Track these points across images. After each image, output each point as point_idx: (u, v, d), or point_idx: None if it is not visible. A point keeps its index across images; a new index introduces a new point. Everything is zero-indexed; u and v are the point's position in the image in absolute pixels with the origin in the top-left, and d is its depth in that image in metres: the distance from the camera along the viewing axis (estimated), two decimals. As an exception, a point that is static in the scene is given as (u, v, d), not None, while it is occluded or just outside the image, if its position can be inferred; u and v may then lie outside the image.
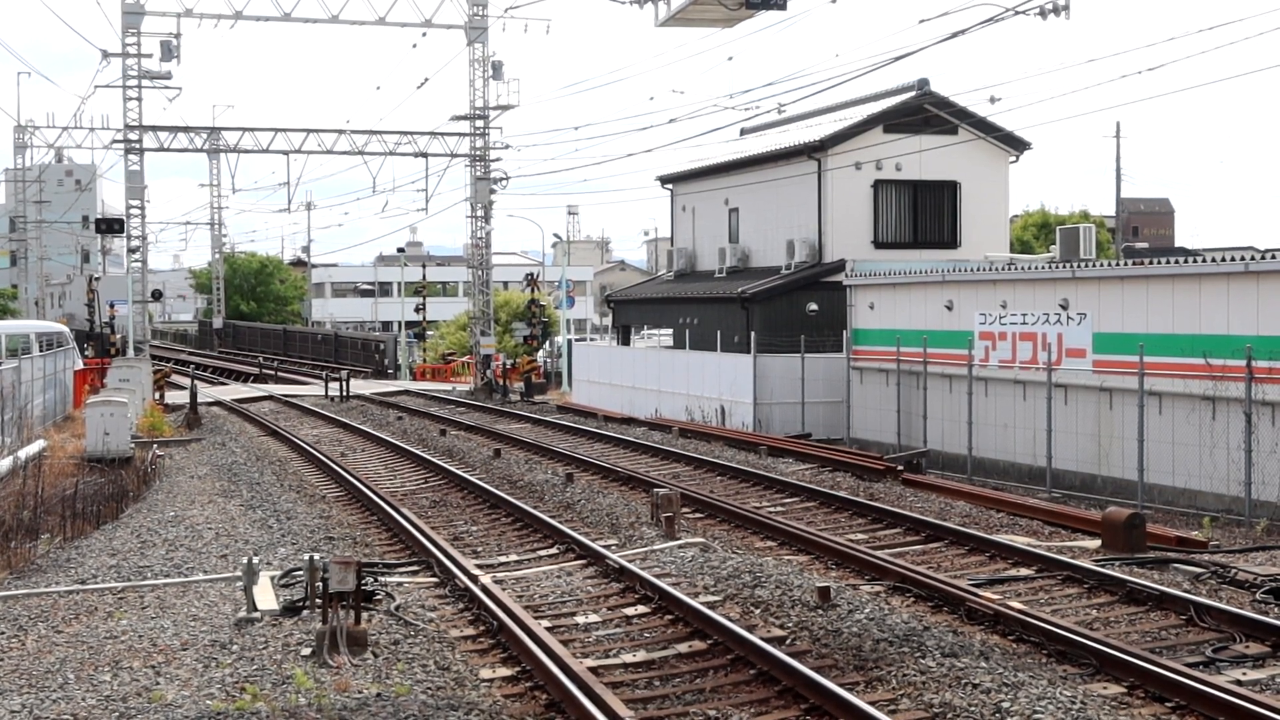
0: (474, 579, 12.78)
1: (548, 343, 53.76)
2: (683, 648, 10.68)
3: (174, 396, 39.81)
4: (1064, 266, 23.67)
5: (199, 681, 9.62)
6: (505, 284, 76.18)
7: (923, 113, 35.28)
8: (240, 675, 9.73)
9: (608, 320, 55.87)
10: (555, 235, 70.45)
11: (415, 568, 14.16)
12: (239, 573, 12.04)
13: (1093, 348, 22.11)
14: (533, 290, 49.41)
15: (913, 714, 8.87)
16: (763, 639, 10.36)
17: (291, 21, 39.59)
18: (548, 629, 11.06)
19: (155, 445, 26.78)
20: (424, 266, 75.93)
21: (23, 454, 22.27)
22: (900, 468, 21.25)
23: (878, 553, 14.12)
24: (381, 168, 62.86)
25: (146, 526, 17.13)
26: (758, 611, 11.67)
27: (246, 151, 43.47)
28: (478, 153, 44.20)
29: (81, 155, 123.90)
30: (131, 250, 41.85)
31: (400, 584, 13.10)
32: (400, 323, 69.36)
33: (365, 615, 10.85)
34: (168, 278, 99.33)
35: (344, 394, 41.23)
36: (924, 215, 35.88)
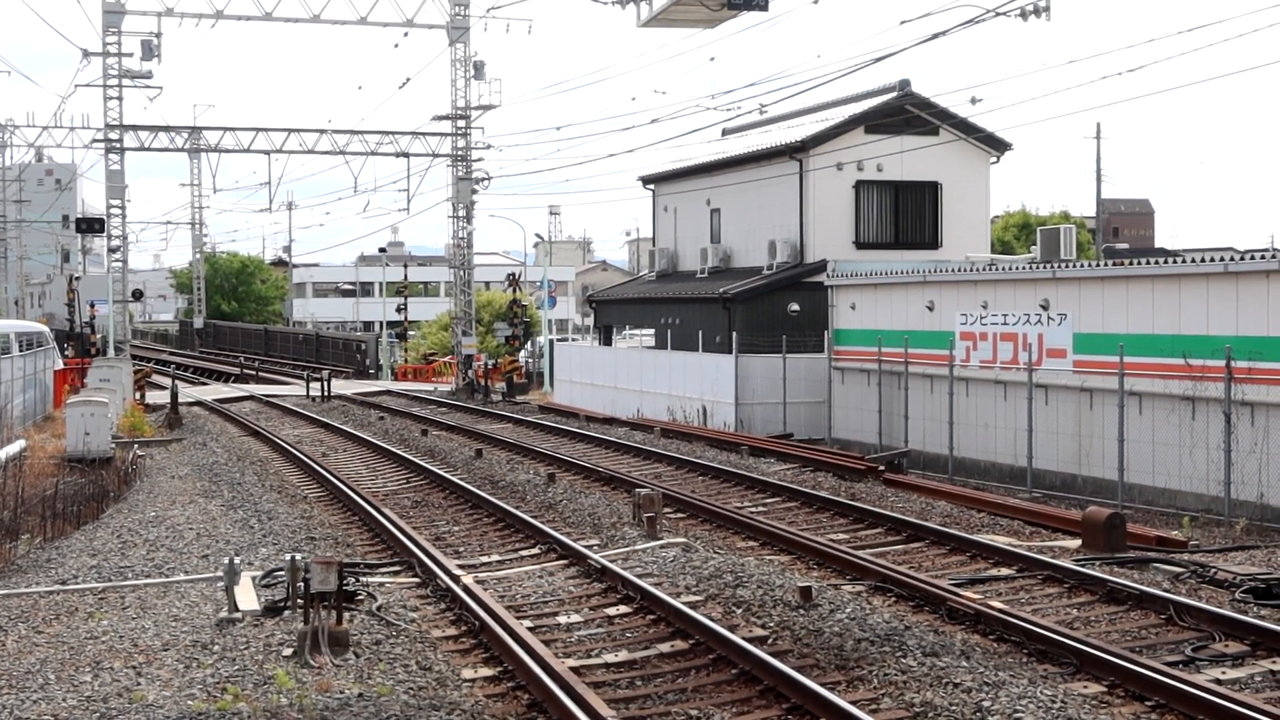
0: (456, 579, 12.77)
1: (529, 343, 53.72)
2: (664, 647, 10.70)
3: (155, 396, 39.67)
4: (1044, 267, 23.75)
5: (180, 682, 9.60)
6: (487, 284, 76.16)
7: (904, 113, 35.34)
8: (221, 675, 9.71)
9: (589, 320, 55.83)
10: (537, 235, 70.46)
11: (397, 568, 14.14)
12: (220, 573, 12.01)
13: (1073, 348, 22.19)
14: (514, 290, 49.38)
15: (894, 713, 8.90)
16: (744, 639, 10.38)
17: (273, 21, 39.48)
18: (529, 629, 11.06)
19: (136, 445, 26.67)
20: (405, 266, 75.92)
21: (2, 454, 22.15)
22: (881, 468, 21.31)
23: (859, 553, 14.16)
24: (363, 168, 62.83)
25: (127, 527, 17.07)
26: (739, 611, 11.69)
27: (227, 151, 43.30)
28: (459, 153, 44.14)
29: (62, 154, 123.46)
30: (112, 250, 41.68)
31: (382, 584, 13.09)
32: (382, 323, 69.25)
33: (347, 615, 10.84)
34: (148, 277, 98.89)
35: (325, 394, 41.14)
36: (905, 216, 35.96)
